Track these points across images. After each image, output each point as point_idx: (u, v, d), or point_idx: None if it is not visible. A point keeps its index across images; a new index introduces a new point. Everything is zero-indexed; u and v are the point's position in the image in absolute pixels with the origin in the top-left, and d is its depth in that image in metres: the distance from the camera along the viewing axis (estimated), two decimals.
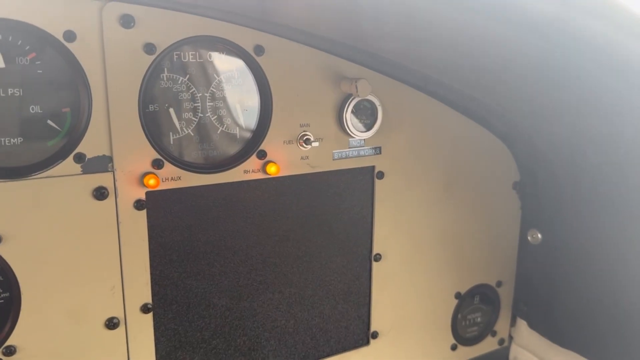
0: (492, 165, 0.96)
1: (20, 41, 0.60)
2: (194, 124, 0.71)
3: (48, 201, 0.63)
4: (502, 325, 1.06)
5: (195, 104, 0.70)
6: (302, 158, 0.78)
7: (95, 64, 0.63)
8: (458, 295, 0.99)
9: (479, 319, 1.04)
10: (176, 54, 0.68)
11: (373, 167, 0.85)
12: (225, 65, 0.71)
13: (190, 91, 0.70)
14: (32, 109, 0.62)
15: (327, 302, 0.87)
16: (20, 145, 0.62)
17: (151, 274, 0.71)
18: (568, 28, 0.46)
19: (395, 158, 0.86)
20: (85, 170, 0.65)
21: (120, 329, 0.70)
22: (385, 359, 0.94)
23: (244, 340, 0.81)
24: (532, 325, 1.00)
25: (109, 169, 0.66)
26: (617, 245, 0.78)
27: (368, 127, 0.81)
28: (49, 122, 0.63)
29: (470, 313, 1.03)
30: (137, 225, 0.69)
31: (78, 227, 0.66)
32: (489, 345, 1.06)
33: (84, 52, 0.62)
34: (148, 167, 0.68)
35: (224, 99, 0.72)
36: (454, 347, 1.02)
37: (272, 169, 0.75)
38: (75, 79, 0.63)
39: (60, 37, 0.61)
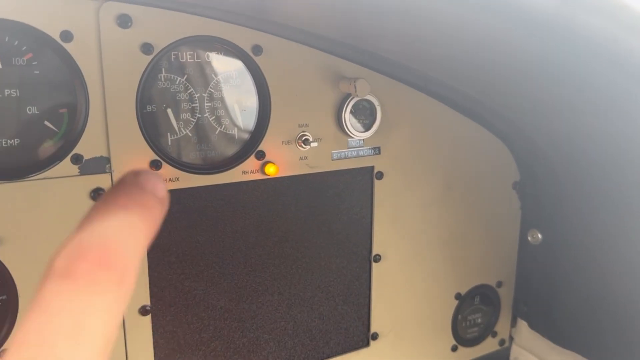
0: (492, 165, 0.95)
1: (17, 42, 0.60)
2: (192, 124, 0.70)
3: (45, 203, 0.63)
4: (502, 326, 1.06)
5: (193, 105, 0.70)
6: (301, 158, 0.77)
7: (92, 64, 0.63)
8: (458, 296, 0.99)
9: (479, 320, 1.04)
10: (174, 54, 0.68)
11: (372, 168, 0.84)
12: (223, 65, 0.71)
13: (188, 91, 0.69)
14: (29, 109, 0.62)
15: (327, 303, 0.86)
16: (17, 147, 0.62)
17: (149, 275, 0.71)
18: (568, 24, 0.45)
19: (394, 158, 0.85)
20: (83, 172, 0.64)
21: (119, 331, 0.69)
22: None
23: (243, 342, 0.80)
24: (532, 325, 1.00)
25: (107, 170, 0.66)
26: (618, 244, 0.78)
27: (367, 127, 0.80)
28: (46, 123, 0.63)
29: (471, 314, 1.03)
30: None
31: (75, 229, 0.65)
32: (489, 346, 1.06)
33: (81, 53, 0.62)
34: (146, 168, 0.67)
35: (222, 100, 0.72)
36: (454, 348, 1.02)
37: (270, 170, 0.74)
38: (72, 80, 0.63)
39: (57, 37, 0.60)
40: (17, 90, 0.61)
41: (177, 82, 0.68)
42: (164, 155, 0.68)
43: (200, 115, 0.70)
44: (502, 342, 1.07)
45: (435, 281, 0.96)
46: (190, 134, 0.70)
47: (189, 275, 0.74)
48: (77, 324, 0.23)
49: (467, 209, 0.95)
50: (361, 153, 0.82)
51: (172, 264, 0.72)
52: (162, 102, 0.68)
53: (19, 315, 0.64)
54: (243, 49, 0.70)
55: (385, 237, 0.88)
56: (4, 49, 0.59)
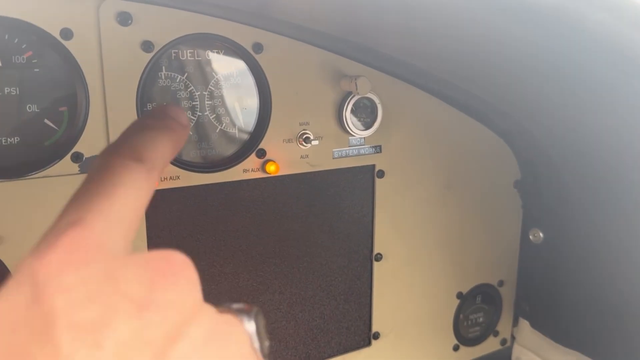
0: (493, 164, 0.95)
1: (16, 39, 0.60)
2: (192, 122, 0.70)
3: (45, 201, 0.63)
4: (504, 325, 1.06)
5: (194, 103, 0.70)
6: (301, 157, 0.77)
7: (92, 62, 0.62)
8: (460, 295, 0.99)
9: (480, 319, 1.04)
10: (174, 52, 0.67)
11: (373, 166, 0.84)
12: (224, 63, 0.71)
13: (189, 90, 0.69)
14: (29, 108, 0.62)
15: (328, 302, 0.86)
16: (17, 145, 0.62)
17: None
18: (571, 19, 0.45)
19: (395, 157, 0.85)
20: (83, 170, 0.64)
21: None
22: None
23: None
24: (534, 325, 0.99)
25: None
26: (621, 242, 0.78)
27: (368, 126, 0.80)
28: (46, 121, 0.63)
29: (472, 313, 1.02)
30: None
31: None
32: (491, 345, 1.05)
33: (81, 50, 0.62)
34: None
35: (222, 98, 0.71)
36: (456, 348, 1.01)
37: (271, 168, 0.74)
38: (72, 78, 0.63)
39: (57, 35, 0.60)
40: (17, 89, 0.61)
41: (177, 80, 0.68)
42: None
43: (200, 114, 0.70)
44: (503, 342, 1.06)
45: (437, 280, 0.95)
46: (190, 133, 0.70)
47: None
48: (112, 198, 0.29)
49: (468, 208, 0.95)
50: (362, 151, 0.82)
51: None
52: (163, 100, 0.68)
53: None
54: (244, 46, 0.70)
55: (386, 236, 0.88)
56: (3, 47, 0.59)
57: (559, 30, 0.49)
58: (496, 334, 1.05)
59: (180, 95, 0.69)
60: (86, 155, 0.64)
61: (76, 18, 0.61)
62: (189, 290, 0.27)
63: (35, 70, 0.61)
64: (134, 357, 0.23)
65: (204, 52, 0.69)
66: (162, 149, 0.34)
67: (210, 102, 0.71)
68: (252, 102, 0.74)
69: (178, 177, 0.69)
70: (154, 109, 0.39)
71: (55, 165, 0.63)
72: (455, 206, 0.94)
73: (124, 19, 0.63)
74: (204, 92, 0.70)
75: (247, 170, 0.74)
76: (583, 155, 0.77)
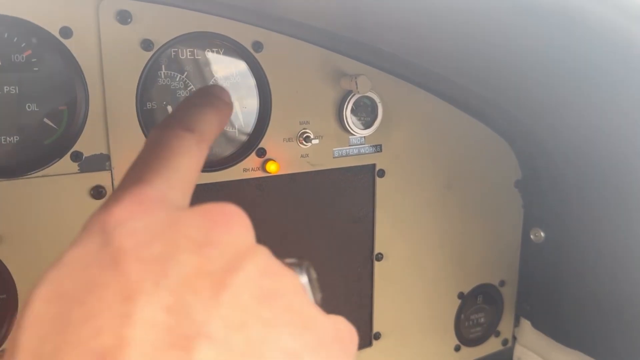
0: (494, 163, 0.95)
1: (16, 38, 0.60)
2: None
3: (44, 200, 0.63)
4: (505, 326, 1.05)
5: None
6: (302, 156, 0.77)
7: (92, 61, 0.62)
8: (461, 295, 0.98)
9: (482, 320, 1.03)
10: (174, 51, 0.67)
11: (374, 165, 0.84)
12: (223, 62, 0.71)
13: (188, 88, 0.69)
14: (29, 107, 0.61)
15: (329, 302, 0.85)
16: (17, 144, 0.62)
17: None
18: (570, 13, 0.45)
19: (396, 156, 0.85)
20: (83, 169, 0.64)
21: None
22: None
23: None
24: (536, 325, 0.99)
25: (107, 168, 0.65)
26: (622, 242, 0.77)
27: (368, 125, 0.80)
28: (46, 120, 0.62)
29: (474, 313, 1.02)
30: None
31: (75, 227, 0.64)
32: (492, 345, 1.05)
33: (81, 49, 0.61)
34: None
35: None
36: (457, 348, 1.01)
37: (271, 167, 0.74)
38: (71, 77, 0.62)
39: (56, 34, 0.60)
40: (17, 88, 0.60)
41: (177, 79, 0.68)
42: None
43: None
44: (505, 342, 1.06)
45: (438, 280, 0.95)
46: None
47: None
48: (168, 162, 0.34)
49: (469, 207, 0.95)
50: (362, 151, 0.82)
51: None
52: (162, 99, 0.68)
53: (18, 314, 0.63)
54: (243, 45, 0.70)
55: (387, 235, 0.88)
56: (3, 46, 0.59)
57: (560, 26, 0.49)
58: (497, 334, 1.05)
59: (179, 94, 0.69)
60: (86, 154, 0.64)
61: (76, 17, 0.61)
62: (243, 233, 0.30)
63: (35, 69, 0.61)
64: (195, 284, 0.25)
65: (203, 50, 0.69)
66: (208, 122, 0.39)
67: None
68: (252, 101, 0.73)
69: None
70: (199, 88, 0.44)
71: (54, 165, 0.62)
72: (456, 205, 0.93)
73: (124, 17, 0.62)
74: None
75: (247, 169, 0.74)
76: (584, 153, 0.77)
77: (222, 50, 0.70)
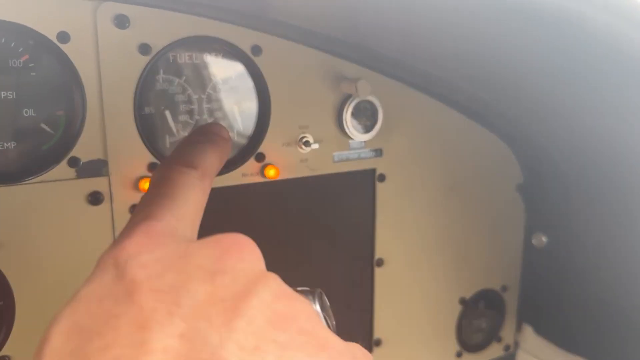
0: (495, 167, 0.94)
1: (13, 43, 0.59)
2: (190, 126, 0.69)
3: (41, 206, 0.62)
4: (507, 331, 1.05)
5: (192, 106, 0.69)
6: (301, 161, 0.76)
7: (89, 66, 0.62)
8: (462, 301, 0.98)
9: (483, 325, 1.02)
10: (172, 55, 0.67)
11: (374, 170, 0.83)
12: (222, 66, 0.70)
13: (187, 93, 0.68)
14: (26, 112, 0.61)
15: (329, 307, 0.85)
16: (14, 150, 0.61)
17: None
18: (570, 19, 0.45)
19: (396, 160, 0.84)
20: (80, 175, 0.63)
21: None
22: None
23: None
24: (538, 330, 0.98)
25: (104, 174, 0.65)
26: (626, 247, 0.77)
27: (368, 129, 0.79)
28: (43, 125, 0.62)
29: (475, 319, 1.01)
30: None
31: (72, 233, 0.64)
32: (494, 351, 1.04)
33: (78, 54, 0.61)
34: (144, 171, 0.67)
35: (220, 101, 0.71)
36: (459, 354, 1.00)
37: (271, 172, 0.73)
38: (69, 81, 0.62)
39: (53, 39, 0.60)
40: (14, 93, 0.60)
41: (175, 84, 0.68)
42: (162, 158, 0.68)
43: (198, 117, 0.70)
44: (507, 348, 1.05)
45: (439, 285, 0.94)
46: None
47: None
48: (175, 198, 0.35)
49: (470, 212, 0.94)
50: (362, 155, 0.81)
51: None
52: (160, 103, 0.67)
53: (15, 321, 0.63)
54: (242, 49, 0.70)
55: (387, 240, 0.87)
56: (0, 51, 0.59)
57: (561, 31, 0.48)
58: (499, 339, 1.04)
59: (177, 98, 0.68)
60: (83, 159, 0.63)
61: (73, 21, 0.60)
62: (254, 261, 0.31)
63: (32, 74, 0.60)
64: (208, 311, 0.25)
65: (202, 55, 0.69)
66: (210, 158, 0.41)
67: (208, 106, 0.70)
68: (251, 105, 0.73)
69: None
70: (198, 127, 0.49)
71: (51, 170, 0.62)
72: (457, 210, 0.93)
73: (122, 21, 0.62)
74: (202, 96, 0.69)
75: (246, 174, 0.73)
76: (587, 157, 0.76)
77: (221, 54, 0.70)
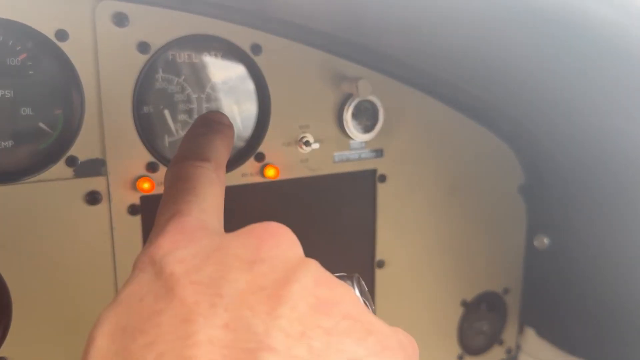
0: (496, 168, 0.94)
1: (11, 41, 0.59)
2: (189, 126, 0.69)
3: (39, 206, 0.62)
4: (509, 334, 1.04)
5: (191, 106, 0.68)
6: (301, 161, 0.76)
7: (87, 64, 0.61)
8: (464, 303, 0.97)
9: (485, 328, 1.02)
10: (171, 54, 0.66)
11: (375, 170, 0.83)
12: (222, 65, 0.70)
13: (186, 92, 0.68)
14: (24, 111, 0.60)
15: None
16: (11, 149, 0.61)
17: None
18: (573, 15, 0.44)
19: (397, 161, 0.84)
20: (78, 174, 0.63)
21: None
22: None
23: None
24: (540, 333, 0.98)
25: (102, 173, 0.64)
26: (629, 248, 0.76)
27: (369, 129, 0.79)
28: (41, 124, 0.61)
29: (477, 321, 1.00)
30: (132, 231, 0.67)
31: (70, 233, 0.64)
32: (496, 354, 1.03)
33: (77, 52, 0.61)
34: (142, 171, 0.66)
35: (220, 100, 0.70)
36: (460, 357, 0.99)
37: (270, 172, 0.73)
38: (67, 80, 0.61)
39: (52, 37, 0.59)
40: (12, 91, 0.59)
41: (174, 83, 0.67)
42: (161, 157, 0.67)
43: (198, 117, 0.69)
44: (509, 351, 1.04)
45: (441, 287, 0.94)
46: None
47: None
48: (197, 193, 0.36)
49: (471, 213, 0.93)
50: (363, 155, 0.81)
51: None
52: (159, 103, 0.67)
53: (12, 322, 0.62)
54: (242, 48, 0.69)
55: (388, 242, 0.86)
56: None
57: (564, 29, 0.48)
58: (501, 342, 1.03)
59: (177, 98, 0.68)
60: (81, 159, 0.63)
61: (71, 19, 0.60)
62: (291, 247, 0.31)
63: (30, 72, 0.60)
64: (250, 300, 0.25)
65: (201, 54, 0.68)
66: (219, 148, 0.42)
67: (207, 105, 0.69)
68: (251, 104, 0.72)
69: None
70: (198, 118, 0.46)
71: (49, 170, 0.62)
72: (459, 211, 0.92)
73: (120, 20, 0.62)
74: (202, 95, 0.69)
75: (245, 174, 0.73)
76: (590, 158, 0.76)
77: (220, 53, 0.69)
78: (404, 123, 0.83)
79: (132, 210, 0.66)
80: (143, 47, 0.63)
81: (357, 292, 0.35)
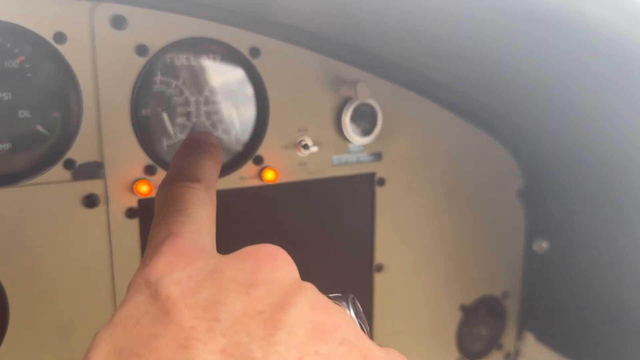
0: (495, 172, 0.94)
1: (9, 44, 0.59)
2: (187, 129, 0.69)
3: (36, 209, 0.61)
4: (508, 338, 1.04)
5: (189, 109, 0.68)
6: (300, 164, 0.76)
7: (86, 67, 0.61)
8: (463, 307, 0.97)
9: (484, 332, 1.01)
10: (169, 57, 0.66)
11: (373, 174, 0.82)
12: (220, 68, 0.70)
13: (184, 95, 0.68)
14: (21, 113, 0.60)
15: None
16: (9, 152, 0.60)
17: None
18: (571, 18, 0.44)
19: (396, 164, 0.84)
20: (75, 177, 0.63)
21: None
22: None
23: None
24: (539, 337, 0.98)
25: (100, 176, 0.64)
26: (628, 253, 0.76)
27: (368, 133, 0.79)
28: (38, 127, 0.61)
29: (475, 326, 1.00)
30: (129, 234, 0.67)
31: (67, 236, 0.64)
32: (495, 359, 1.03)
33: (75, 55, 0.60)
34: (140, 174, 0.66)
35: (218, 103, 0.70)
36: None
37: (269, 175, 0.72)
38: (65, 83, 0.61)
39: (50, 39, 0.59)
40: (10, 94, 0.59)
41: (172, 86, 0.67)
42: (159, 160, 0.67)
43: (196, 120, 0.69)
44: (507, 355, 1.04)
45: (439, 292, 0.94)
46: None
47: None
48: (189, 214, 0.35)
49: (470, 217, 0.93)
50: (362, 159, 0.81)
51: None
52: (157, 105, 0.67)
53: (9, 326, 0.62)
54: (240, 51, 0.69)
55: (387, 246, 0.86)
56: None
57: (562, 32, 0.48)
58: (500, 347, 1.03)
59: (175, 100, 0.67)
60: (79, 162, 0.62)
61: (70, 22, 0.60)
62: (287, 270, 0.30)
63: (28, 75, 0.60)
64: (248, 324, 0.25)
65: (199, 57, 0.68)
66: (209, 168, 0.42)
67: (206, 108, 0.69)
68: (249, 108, 0.72)
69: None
70: (186, 138, 0.48)
71: (47, 173, 0.61)
72: (457, 215, 0.92)
73: (119, 22, 0.62)
74: (200, 98, 0.69)
75: (244, 177, 0.72)
76: (588, 163, 0.76)
77: (219, 56, 0.69)
78: (403, 126, 0.83)
79: (130, 213, 0.66)
80: (141, 49, 0.63)
81: (352, 314, 0.35)
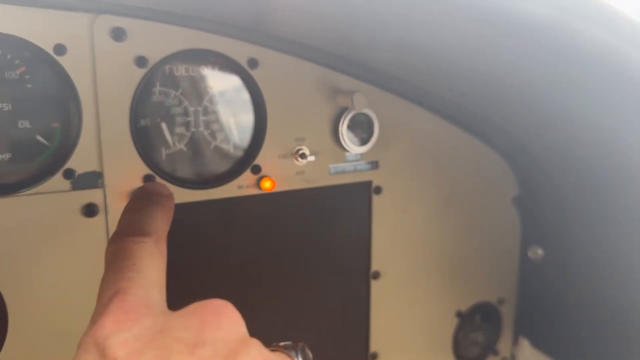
0: (491, 180, 0.94)
1: (9, 55, 0.59)
2: (186, 139, 0.69)
3: (36, 218, 0.62)
4: (504, 344, 1.04)
5: (188, 119, 0.69)
6: (297, 173, 0.76)
7: (85, 78, 0.62)
8: (459, 314, 0.97)
9: (480, 338, 1.02)
10: (168, 68, 0.67)
11: (370, 182, 0.83)
12: (219, 78, 0.70)
13: (183, 105, 0.68)
14: (21, 124, 0.61)
15: (325, 322, 0.84)
16: (8, 162, 0.61)
17: None
18: (562, 33, 0.45)
19: (392, 173, 0.85)
20: (75, 187, 0.63)
21: None
22: None
23: None
24: (535, 343, 0.98)
25: (99, 186, 0.64)
26: (623, 259, 0.77)
27: (364, 142, 0.80)
28: (38, 137, 0.62)
29: (472, 332, 1.01)
30: None
31: (67, 245, 0.64)
32: None
33: (75, 66, 0.61)
34: (139, 183, 0.66)
35: (217, 113, 0.71)
36: None
37: (267, 184, 0.73)
38: (65, 93, 0.62)
39: (50, 51, 0.60)
40: (10, 105, 0.60)
41: (171, 96, 0.68)
42: (158, 170, 0.67)
43: (195, 130, 0.70)
44: None
45: (436, 298, 0.94)
46: (184, 149, 0.69)
47: (182, 293, 0.72)
48: (138, 269, 0.35)
49: (466, 224, 0.94)
50: (359, 167, 0.81)
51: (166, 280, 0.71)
52: (156, 116, 0.67)
53: (8, 334, 0.62)
54: (239, 62, 0.70)
55: (384, 253, 0.87)
56: None
57: (554, 46, 0.49)
58: (496, 353, 1.04)
59: (174, 111, 0.68)
60: (78, 171, 0.63)
61: (70, 34, 0.60)
62: (234, 327, 0.31)
63: (28, 86, 0.61)
64: None
65: (198, 67, 0.69)
66: (158, 221, 0.42)
67: (204, 118, 0.70)
68: (247, 117, 0.73)
69: (171, 194, 0.68)
70: (137, 191, 0.48)
71: (46, 182, 0.62)
72: (453, 223, 0.93)
73: (118, 34, 0.62)
74: (199, 108, 0.70)
75: (242, 186, 0.73)
76: (583, 170, 0.77)
77: (217, 67, 0.70)
78: (399, 135, 0.84)
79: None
80: (141, 61, 0.64)
81: None
